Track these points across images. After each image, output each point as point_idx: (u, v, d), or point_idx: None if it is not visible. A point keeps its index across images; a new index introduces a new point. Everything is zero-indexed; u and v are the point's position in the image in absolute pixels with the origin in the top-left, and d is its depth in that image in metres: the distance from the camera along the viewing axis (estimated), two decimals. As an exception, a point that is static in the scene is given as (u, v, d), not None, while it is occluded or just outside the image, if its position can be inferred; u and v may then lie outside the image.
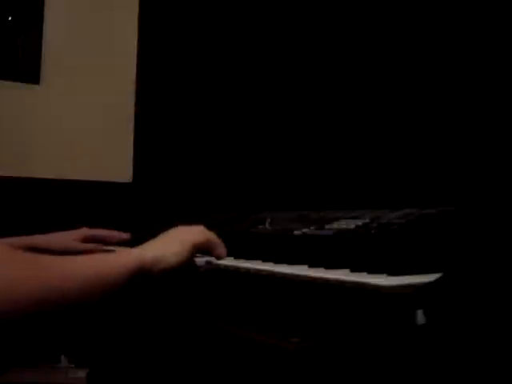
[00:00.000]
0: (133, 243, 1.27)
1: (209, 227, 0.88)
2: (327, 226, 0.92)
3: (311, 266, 0.68)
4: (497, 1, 0.90)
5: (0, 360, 1.28)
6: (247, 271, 0.73)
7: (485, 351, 0.58)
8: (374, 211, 0.93)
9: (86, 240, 1.33)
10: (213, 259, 0.85)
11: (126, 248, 1.21)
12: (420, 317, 0.51)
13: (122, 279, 0.74)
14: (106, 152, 1.90)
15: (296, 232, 0.94)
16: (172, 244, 0.81)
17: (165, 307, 0.84)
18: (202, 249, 0.85)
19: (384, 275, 0.58)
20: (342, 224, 0.90)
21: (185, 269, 0.82)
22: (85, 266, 0.73)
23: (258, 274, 0.70)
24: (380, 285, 0.53)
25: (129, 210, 1.81)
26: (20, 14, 1.76)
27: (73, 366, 1.50)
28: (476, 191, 0.86)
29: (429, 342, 0.53)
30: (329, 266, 0.66)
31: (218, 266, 0.81)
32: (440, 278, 0.55)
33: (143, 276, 0.76)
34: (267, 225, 1.08)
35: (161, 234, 0.85)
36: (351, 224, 0.88)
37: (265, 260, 0.78)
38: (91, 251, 1.28)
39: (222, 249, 0.87)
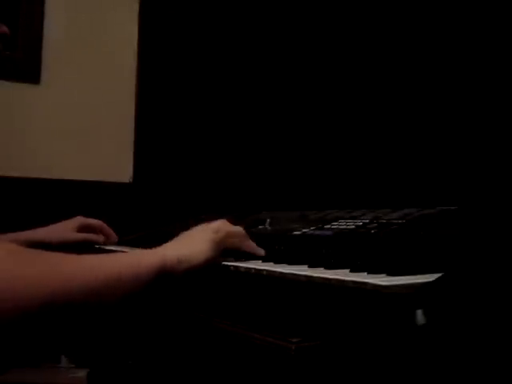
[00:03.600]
0: (134, 243, 1.28)
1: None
2: (327, 226, 0.92)
3: (311, 265, 0.68)
4: (497, 1, 0.90)
5: (0, 360, 1.28)
6: (247, 271, 0.73)
7: (485, 351, 0.58)
8: (374, 211, 0.93)
9: (81, 228, 1.35)
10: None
11: (126, 247, 1.22)
12: (420, 317, 0.51)
13: (147, 279, 0.70)
14: (106, 152, 1.90)
15: (296, 232, 0.94)
16: (196, 243, 0.78)
17: (164, 307, 0.84)
18: (228, 245, 0.81)
19: (384, 275, 0.58)
20: (342, 224, 0.90)
21: (210, 269, 0.78)
22: (106, 264, 0.69)
23: (258, 273, 0.70)
24: (380, 285, 0.53)
25: (129, 210, 1.81)
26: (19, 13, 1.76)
27: (73, 365, 1.50)
28: (476, 191, 0.86)
29: (429, 342, 0.53)
30: (329, 265, 0.66)
31: (219, 265, 0.81)
32: (440, 277, 0.55)
33: (166, 276, 0.73)
34: (267, 225, 1.08)
35: (182, 233, 0.82)
36: (351, 224, 0.89)
37: (265, 260, 0.78)
38: (86, 240, 1.32)
39: (247, 241, 0.83)
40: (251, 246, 0.84)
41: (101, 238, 1.36)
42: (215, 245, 0.78)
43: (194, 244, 0.77)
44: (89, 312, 0.67)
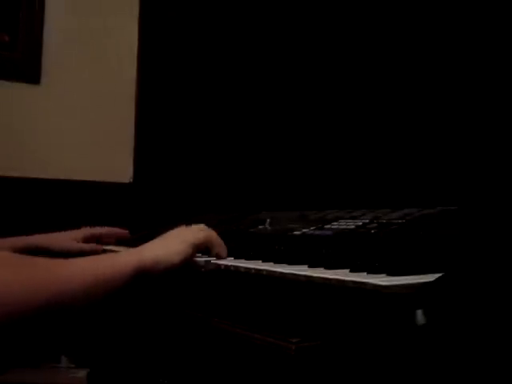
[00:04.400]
0: (134, 243, 1.28)
1: (209, 227, 0.89)
2: (327, 226, 0.92)
3: (311, 265, 0.68)
4: (497, 1, 0.90)
5: (0, 360, 1.28)
6: (247, 271, 0.73)
7: (485, 352, 0.58)
8: (374, 211, 0.93)
9: (87, 239, 1.34)
10: (212, 259, 0.85)
11: (127, 248, 1.22)
12: (420, 317, 0.51)
13: (124, 279, 0.74)
14: (106, 152, 1.90)
15: (296, 232, 0.94)
16: (172, 244, 0.81)
17: (165, 307, 0.84)
18: (202, 248, 0.85)
19: (384, 275, 0.58)
20: (342, 224, 0.90)
21: (185, 269, 0.81)
22: (86, 267, 0.73)
23: (258, 273, 0.70)
24: (380, 285, 0.53)
25: (129, 210, 1.81)
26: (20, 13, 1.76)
27: (73, 366, 1.50)
28: (476, 191, 0.86)
29: (429, 342, 0.53)
30: (329, 265, 0.66)
31: (219, 265, 0.81)
32: (440, 277, 0.55)
33: (143, 276, 0.76)
34: (267, 225, 1.08)
35: (161, 235, 0.85)
36: (351, 224, 0.88)
37: (265, 260, 0.78)
38: (92, 251, 1.29)
39: (221, 248, 0.86)
40: (222, 246, 0.87)
41: (100, 248, 1.35)
42: (191, 245, 0.82)
43: (170, 245, 0.81)
44: (76, 312, 0.71)
